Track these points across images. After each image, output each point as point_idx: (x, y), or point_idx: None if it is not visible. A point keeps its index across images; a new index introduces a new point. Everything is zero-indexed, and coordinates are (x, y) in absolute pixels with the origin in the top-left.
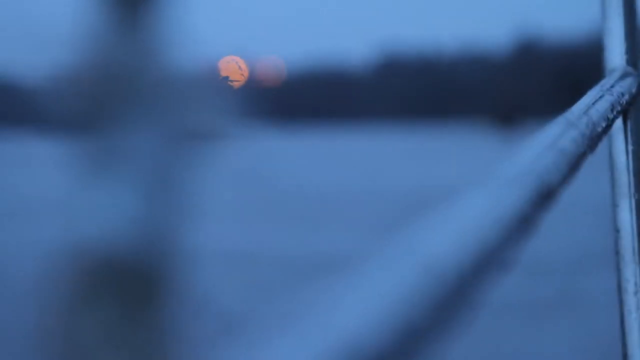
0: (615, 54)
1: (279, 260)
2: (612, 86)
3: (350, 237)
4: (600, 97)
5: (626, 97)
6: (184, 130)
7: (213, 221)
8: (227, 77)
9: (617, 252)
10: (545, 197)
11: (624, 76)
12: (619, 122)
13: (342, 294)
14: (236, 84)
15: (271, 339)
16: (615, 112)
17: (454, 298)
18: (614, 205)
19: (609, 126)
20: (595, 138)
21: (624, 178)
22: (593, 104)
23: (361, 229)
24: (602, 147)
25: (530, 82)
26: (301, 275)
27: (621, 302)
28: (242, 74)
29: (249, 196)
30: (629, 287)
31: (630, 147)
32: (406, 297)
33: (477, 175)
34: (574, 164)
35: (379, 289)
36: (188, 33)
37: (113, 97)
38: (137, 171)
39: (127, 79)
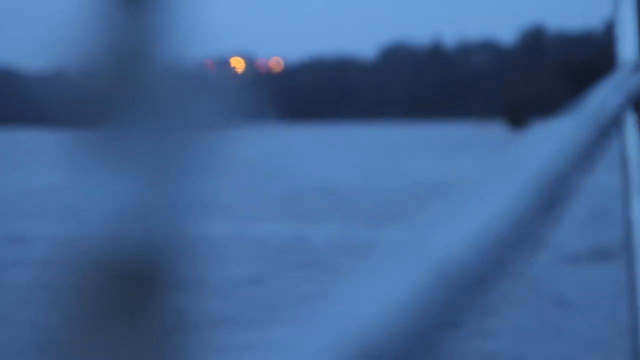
0: (628, 47)
1: (292, 248)
2: (624, 79)
3: (359, 228)
4: (612, 89)
5: (637, 90)
6: (186, 124)
7: (223, 214)
8: (230, 73)
9: (628, 248)
10: (558, 191)
11: (636, 69)
12: (629, 115)
13: (354, 290)
14: (239, 80)
15: (280, 336)
16: (627, 105)
17: (463, 295)
18: (625, 200)
19: (620, 119)
20: (607, 131)
21: (636, 171)
22: (605, 96)
23: (366, 220)
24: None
25: (538, 74)
26: (318, 262)
27: (633, 299)
28: (244, 71)
29: (257, 189)
30: None
31: None
32: (416, 295)
33: (486, 170)
34: (586, 158)
35: (389, 287)
36: (193, 29)
37: (115, 90)
38: (138, 164)
39: (130, 73)
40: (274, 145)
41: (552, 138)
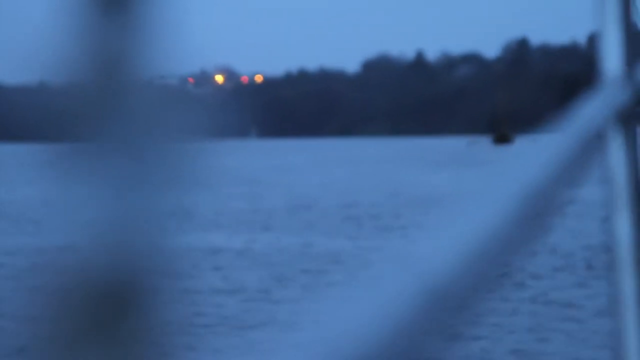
0: (612, 61)
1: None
2: (608, 93)
3: (345, 239)
4: (597, 103)
5: (622, 104)
6: (165, 138)
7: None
8: (212, 87)
9: (612, 264)
10: (543, 205)
11: (619, 83)
12: (615, 129)
13: (340, 303)
14: (220, 95)
15: (263, 346)
16: (612, 119)
17: (449, 307)
18: (609, 215)
19: (605, 133)
20: (592, 146)
21: (621, 186)
22: (589, 110)
23: (353, 232)
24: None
25: (522, 86)
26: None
27: (617, 315)
28: (226, 85)
29: (247, 201)
30: (626, 299)
31: (626, 155)
32: (402, 308)
33: (472, 184)
34: (571, 173)
35: (376, 300)
36: (175, 44)
37: (95, 103)
38: (116, 177)
39: (111, 87)
40: (257, 158)
41: (536, 153)
